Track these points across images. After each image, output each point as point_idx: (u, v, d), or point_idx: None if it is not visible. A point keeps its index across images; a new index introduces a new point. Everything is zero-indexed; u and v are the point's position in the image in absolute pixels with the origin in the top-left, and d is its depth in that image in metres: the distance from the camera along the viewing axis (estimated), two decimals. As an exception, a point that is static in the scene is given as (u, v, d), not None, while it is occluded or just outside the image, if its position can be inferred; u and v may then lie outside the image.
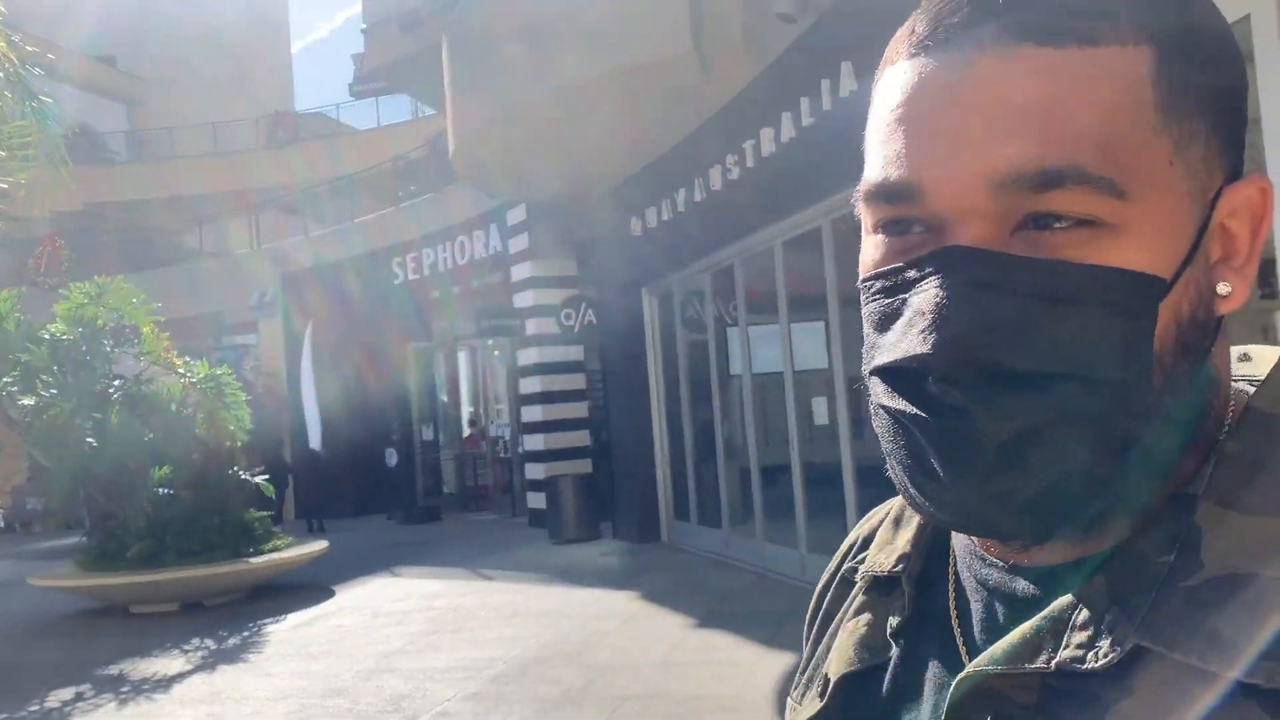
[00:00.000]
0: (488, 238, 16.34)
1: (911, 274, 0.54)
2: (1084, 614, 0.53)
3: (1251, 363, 0.61)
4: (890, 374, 0.54)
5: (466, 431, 19.74)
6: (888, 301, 0.55)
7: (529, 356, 15.26)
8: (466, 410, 20.37)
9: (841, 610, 0.72)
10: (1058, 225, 0.51)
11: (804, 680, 0.73)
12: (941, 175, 0.53)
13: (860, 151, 0.59)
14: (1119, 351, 0.51)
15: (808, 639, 0.76)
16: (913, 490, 0.55)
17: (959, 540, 0.64)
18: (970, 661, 0.57)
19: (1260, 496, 0.52)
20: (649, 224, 11.22)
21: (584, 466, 14.56)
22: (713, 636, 7.43)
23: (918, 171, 0.53)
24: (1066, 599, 0.54)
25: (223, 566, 10.27)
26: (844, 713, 0.66)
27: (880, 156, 0.56)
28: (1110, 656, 0.51)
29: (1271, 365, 0.58)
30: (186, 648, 8.54)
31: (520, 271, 15.33)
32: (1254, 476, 0.53)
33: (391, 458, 18.37)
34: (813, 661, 0.73)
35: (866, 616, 0.67)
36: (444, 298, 18.79)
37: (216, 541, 10.39)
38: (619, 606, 8.79)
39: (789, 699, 0.75)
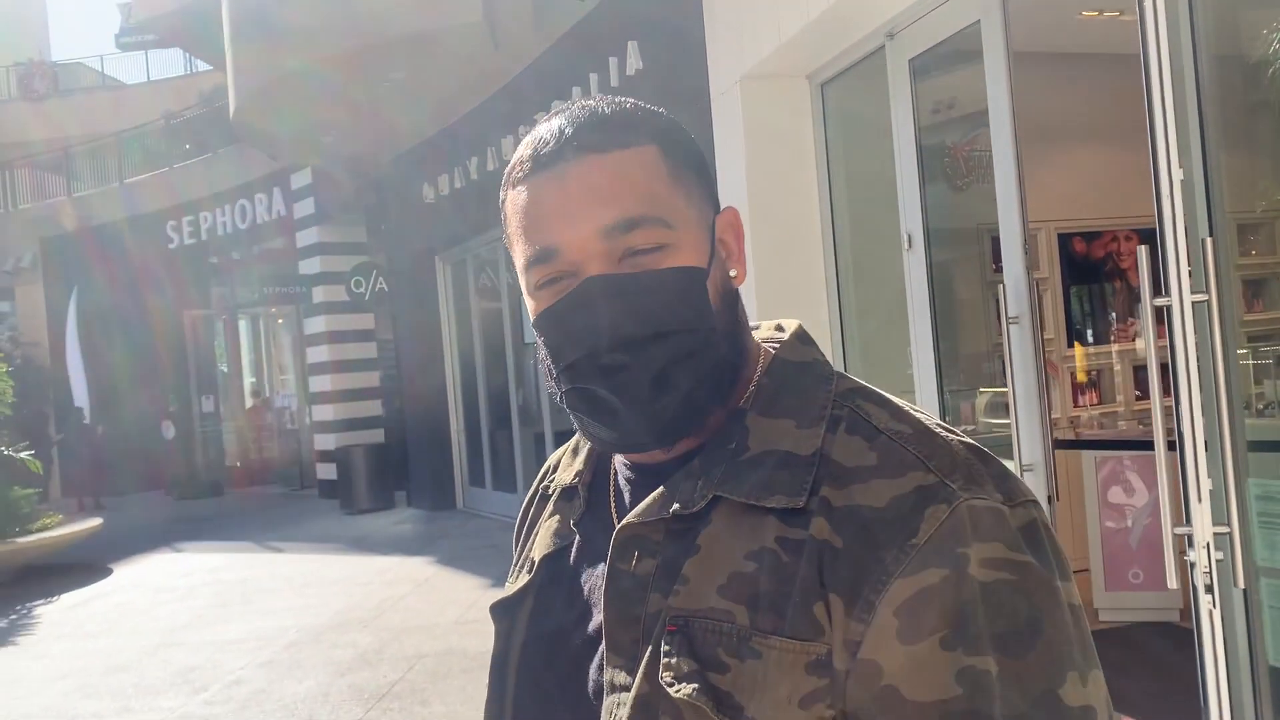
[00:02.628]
0: (270, 201, 15.80)
1: (569, 302, 0.86)
2: (686, 482, 0.87)
3: (784, 331, 0.97)
4: (573, 367, 0.87)
5: (250, 402, 19.07)
6: (557, 325, 0.87)
7: (316, 325, 14.92)
8: (249, 380, 19.65)
9: (542, 517, 1.04)
10: (642, 254, 0.86)
11: (515, 569, 1.05)
12: (568, 237, 0.86)
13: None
14: (693, 311, 0.87)
15: (517, 542, 1.09)
16: (602, 435, 0.89)
17: (616, 459, 0.99)
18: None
19: (778, 408, 0.89)
20: (442, 191, 11.20)
21: (376, 436, 14.41)
22: (507, 595, 7.65)
23: (553, 239, 0.87)
24: (675, 478, 0.88)
25: (-16, 548, 9.65)
26: (546, 579, 0.98)
27: (527, 239, 0.88)
28: (701, 503, 0.85)
29: (788, 334, 0.95)
30: (-55, 634, 8.03)
31: (306, 237, 14.93)
32: (775, 397, 0.90)
33: (169, 430, 17.54)
34: (522, 556, 1.05)
35: (557, 517, 1.01)
36: (224, 263, 18.03)
37: (-24, 522, 9.74)
38: (413, 572, 8.87)
39: (505, 586, 1.05)
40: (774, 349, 0.94)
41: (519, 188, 0.89)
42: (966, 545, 0.76)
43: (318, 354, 14.96)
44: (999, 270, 6.10)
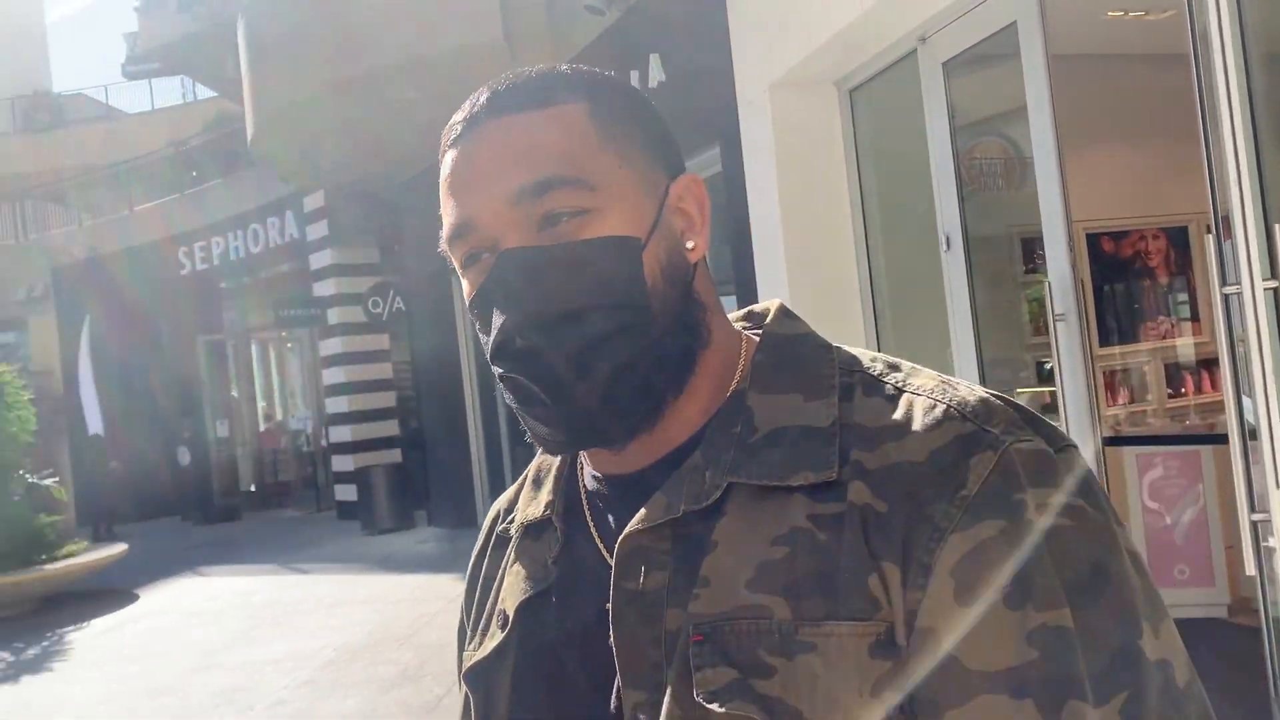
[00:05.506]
0: (283, 225, 15.86)
1: (488, 284, 0.78)
2: (691, 476, 0.77)
3: (755, 316, 0.90)
4: (497, 353, 0.78)
5: (263, 426, 19.09)
6: (483, 311, 0.80)
7: (333, 346, 14.95)
8: (261, 404, 19.68)
9: (502, 567, 0.91)
10: (563, 219, 0.77)
11: (479, 631, 0.90)
12: (480, 208, 0.79)
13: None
14: (621, 285, 0.77)
15: (470, 604, 0.95)
16: (537, 427, 0.80)
17: (585, 477, 0.88)
18: (609, 553, 0.80)
19: (779, 384, 0.81)
20: (458, 210, 11.24)
21: (393, 456, 14.42)
22: (541, 610, 7.65)
23: (466, 210, 0.80)
24: (678, 474, 0.78)
25: (10, 576, 9.64)
26: (526, 631, 0.84)
27: (446, 212, 0.82)
28: (715, 494, 0.76)
29: (773, 310, 0.87)
30: (-21, 662, 8.03)
31: (320, 259, 14.98)
32: (774, 373, 0.82)
33: (184, 456, 17.55)
34: (483, 615, 0.91)
35: (526, 559, 0.88)
36: (235, 288, 18.09)
37: (3, 549, 9.74)
38: (443, 589, 8.86)
39: (463, 654, 0.92)
40: (755, 333, 0.87)
41: (446, 155, 0.83)
42: (1021, 491, 0.70)
43: (334, 375, 14.98)
44: (1030, 272, 6.14)
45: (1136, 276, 6.80)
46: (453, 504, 12.54)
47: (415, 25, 8.64)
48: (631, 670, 0.75)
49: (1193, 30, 3.27)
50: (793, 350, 0.83)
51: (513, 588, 0.86)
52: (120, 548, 11.21)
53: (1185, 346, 6.88)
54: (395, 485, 13.20)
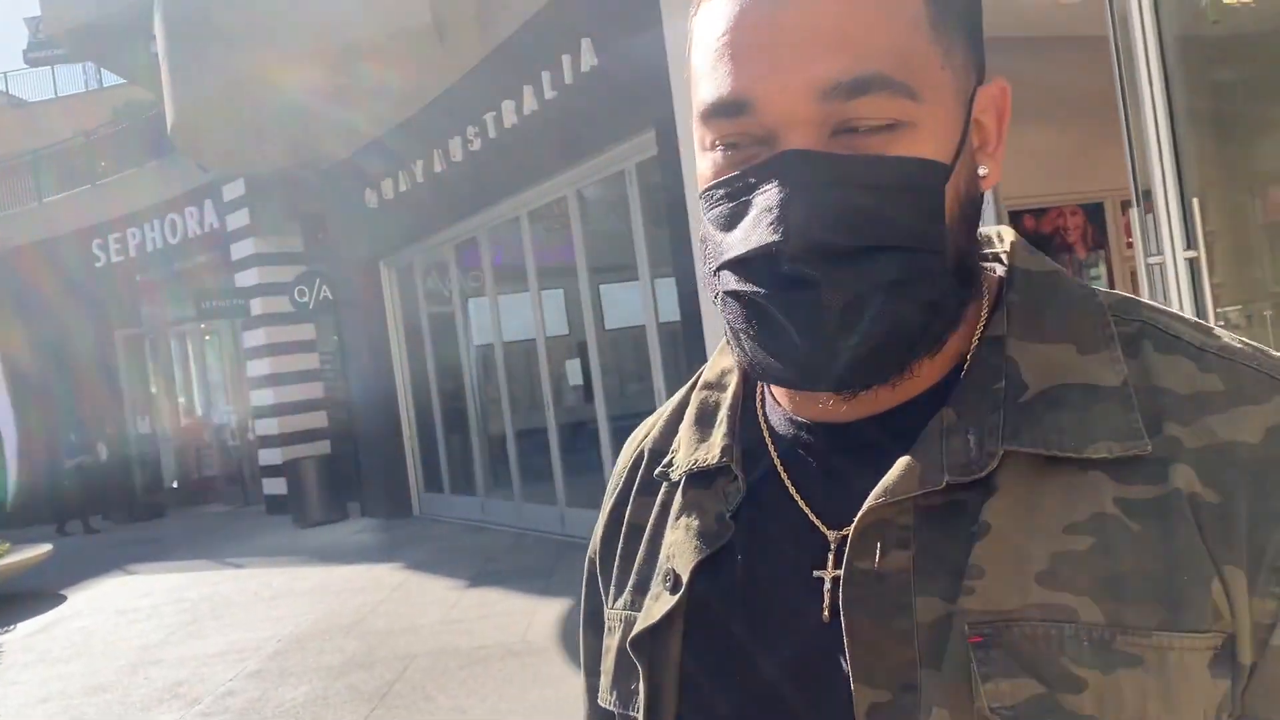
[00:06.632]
0: (202, 214, 15.54)
1: (753, 178, 0.63)
2: (950, 440, 0.64)
3: (985, 243, 0.75)
4: (741, 264, 0.63)
5: (184, 421, 18.70)
6: (731, 205, 0.65)
7: (257, 338, 14.72)
8: (181, 399, 19.27)
9: (654, 516, 0.78)
10: (864, 129, 0.62)
11: (630, 587, 0.77)
12: (770, 89, 0.62)
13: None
14: (922, 225, 0.63)
15: (611, 555, 0.81)
16: (761, 357, 0.65)
17: (775, 418, 0.74)
18: (816, 514, 0.69)
19: (1045, 331, 0.67)
20: (385, 196, 11.17)
21: (322, 448, 14.27)
22: (486, 593, 7.70)
23: (749, 86, 0.62)
24: (926, 434, 0.65)
25: (-69, 581, 9.37)
26: (699, 597, 0.71)
27: (712, 80, 0.64)
28: (990, 463, 0.62)
29: (1010, 240, 0.74)
30: (-97, 670, 7.79)
31: (241, 249, 14.73)
32: (1036, 316, 0.68)
33: (103, 453, 17.11)
34: (632, 570, 0.78)
35: (696, 511, 0.74)
36: (154, 280, 17.66)
37: (-79, 554, 9.45)
38: (384, 578, 8.85)
39: (610, 611, 0.79)
40: (995, 268, 0.73)
41: (714, 3, 0.65)
42: None
43: (259, 367, 14.75)
44: None
45: (1057, 252, 7.09)
46: (386, 494, 12.48)
47: (343, 10, 8.55)
48: (868, 666, 0.63)
49: (1112, 13, 3.45)
50: (1052, 290, 0.69)
51: (683, 545, 0.73)
52: (45, 548, 10.92)
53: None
54: (326, 477, 13.08)
